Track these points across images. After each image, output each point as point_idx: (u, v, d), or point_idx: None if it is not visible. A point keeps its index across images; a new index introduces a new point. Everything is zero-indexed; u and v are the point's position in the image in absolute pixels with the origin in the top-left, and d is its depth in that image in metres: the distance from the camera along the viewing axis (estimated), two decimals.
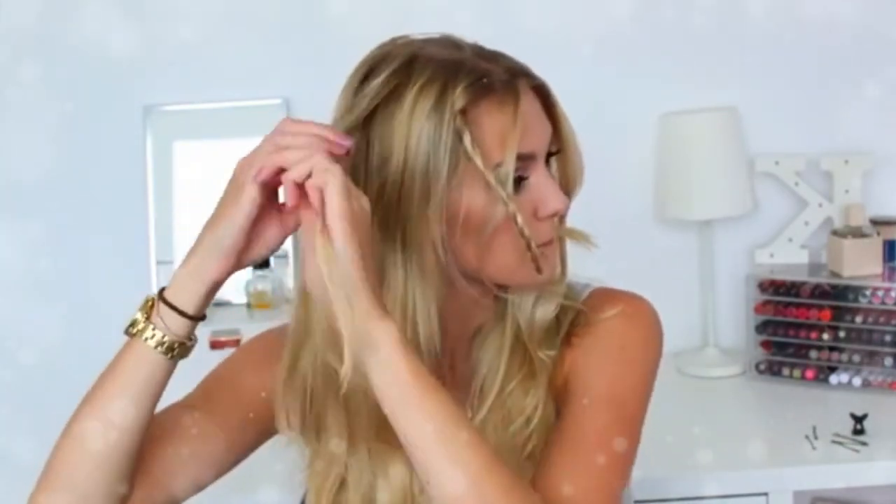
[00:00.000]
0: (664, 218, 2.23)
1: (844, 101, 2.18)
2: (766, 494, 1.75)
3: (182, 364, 1.13)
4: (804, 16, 2.17)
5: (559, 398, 1.14)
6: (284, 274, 2.11)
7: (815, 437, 1.82)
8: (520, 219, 1.05)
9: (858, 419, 1.83)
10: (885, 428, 1.84)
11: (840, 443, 1.80)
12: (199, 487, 1.17)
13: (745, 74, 2.21)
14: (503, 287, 1.11)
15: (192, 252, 1.06)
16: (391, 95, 1.04)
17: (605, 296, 1.17)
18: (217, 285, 1.06)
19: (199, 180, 2.19)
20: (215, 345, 1.95)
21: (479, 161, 1.02)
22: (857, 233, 2.07)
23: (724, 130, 2.16)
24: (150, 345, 1.08)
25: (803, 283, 2.07)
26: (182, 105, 2.19)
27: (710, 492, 1.73)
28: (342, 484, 1.15)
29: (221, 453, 1.18)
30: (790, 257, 2.19)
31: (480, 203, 1.04)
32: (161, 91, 2.19)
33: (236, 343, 1.97)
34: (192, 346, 1.09)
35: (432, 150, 1.02)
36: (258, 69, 2.18)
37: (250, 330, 1.97)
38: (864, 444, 1.79)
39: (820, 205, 2.20)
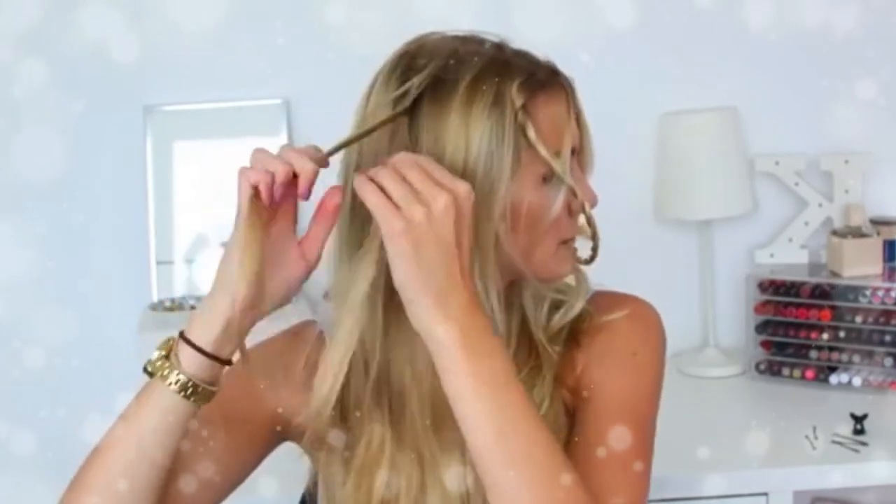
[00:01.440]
0: (664, 218, 2.23)
1: (844, 101, 2.17)
2: (766, 494, 1.75)
3: None
4: (804, 16, 2.17)
5: (573, 402, 1.15)
6: None
7: (815, 437, 1.82)
8: (587, 205, 1.09)
9: (858, 419, 1.83)
10: (885, 428, 1.84)
11: (840, 443, 1.80)
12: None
13: (745, 74, 2.21)
14: (539, 280, 1.13)
15: (210, 291, 1.04)
16: (438, 90, 1.04)
17: (609, 298, 1.19)
18: (234, 323, 1.02)
19: (199, 180, 2.19)
20: None
21: (543, 151, 1.05)
22: (857, 233, 2.07)
23: (724, 130, 2.16)
24: (167, 383, 1.04)
25: (803, 283, 2.07)
26: (182, 105, 2.19)
27: (710, 492, 1.73)
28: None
29: (239, 469, 1.17)
30: (790, 257, 2.19)
31: (537, 198, 1.07)
32: (161, 91, 2.19)
33: None
34: (214, 391, 1.05)
35: (495, 148, 1.03)
36: (258, 69, 2.18)
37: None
38: (864, 444, 1.79)
39: (820, 205, 2.20)
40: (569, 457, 1.05)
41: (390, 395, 1.11)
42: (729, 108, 2.17)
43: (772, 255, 2.20)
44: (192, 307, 2.06)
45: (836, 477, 1.75)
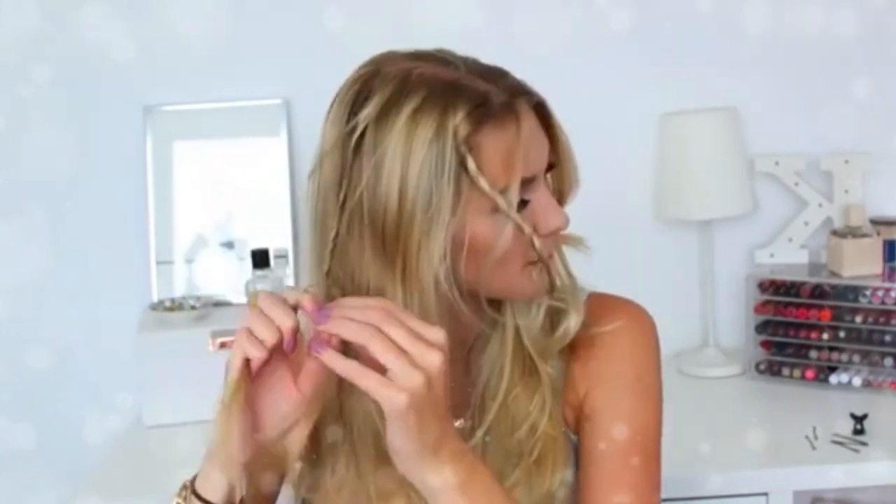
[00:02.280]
0: (664, 218, 2.23)
1: (844, 101, 2.18)
2: (766, 494, 1.75)
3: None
4: (804, 16, 2.17)
5: (574, 419, 1.16)
6: (284, 274, 2.11)
7: (815, 437, 1.82)
8: (537, 242, 1.04)
9: (858, 419, 1.83)
10: (885, 428, 1.84)
11: (840, 443, 1.80)
12: None
13: (745, 74, 2.21)
14: (496, 301, 1.11)
15: (211, 440, 1.04)
16: (382, 121, 1.00)
17: (604, 304, 1.17)
18: (240, 471, 1.02)
19: (199, 180, 2.19)
20: (225, 345, 1.96)
21: (486, 186, 1.00)
22: (857, 233, 2.07)
23: (724, 130, 2.16)
24: None
25: (803, 283, 2.07)
26: (182, 105, 2.19)
27: (710, 492, 1.73)
28: None
29: None
30: (790, 257, 2.19)
31: (485, 228, 1.03)
32: (161, 91, 2.19)
33: None
34: None
35: (435, 180, 0.99)
36: (258, 69, 2.18)
37: None
38: (864, 444, 1.79)
39: (820, 205, 2.20)
40: (583, 489, 1.09)
41: (348, 432, 1.11)
42: (729, 108, 2.17)
43: (772, 255, 2.20)
44: (193, 307, 2.06)
45: (836, 477, 1.75)
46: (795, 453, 1.79)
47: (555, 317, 1.15)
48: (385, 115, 1.01)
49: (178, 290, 2.14)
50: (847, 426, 1.83)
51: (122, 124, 2.18)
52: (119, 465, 1.91)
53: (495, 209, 1.02)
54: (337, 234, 1.04)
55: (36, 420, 2.19)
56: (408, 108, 1.00)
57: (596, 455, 1.13)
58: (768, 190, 2.24)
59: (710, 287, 2.23)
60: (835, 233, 2.10)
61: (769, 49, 2.20)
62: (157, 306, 2.08)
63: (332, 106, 1.07)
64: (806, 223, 2.20)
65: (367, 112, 1.01)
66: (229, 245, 2.17)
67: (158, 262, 2.16)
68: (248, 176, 2.18)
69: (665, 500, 1.74)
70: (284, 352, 1.01)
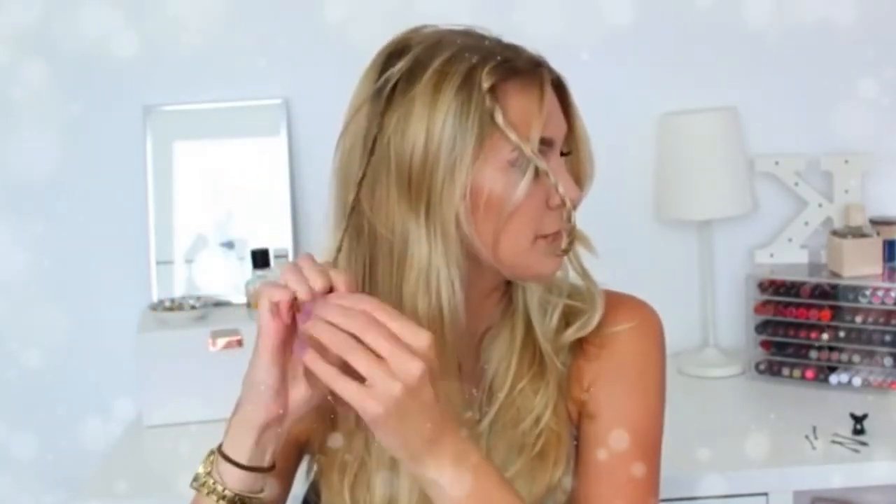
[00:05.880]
0: (664, 218, 2.23)
1: (844, 101, 2.18)
2: (766, 494, 1.75)
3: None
4: (804, 16, 2.17)
5: (577, 414, 1.16)
6: None
7: (815, 437, 1.82)
8: (552, 177, 1.06)
9: (858, 419, 1.83)
10: (885, 428, 1.84)
11: (840, 443, 1.80)
12: None
13: (745, 74, 2.21)
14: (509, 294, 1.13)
15: (238, 401, 1.04)
16: (413, 73, 1.05)
17: (615, 303, 1.18)
18: (265, 433, 1.03)
19: (199, 180, 2.19)
20: (229, 344, 1.97)
21: (513, 136, 1.04)
22: (857, 233, 2.07)
23: (724, 130, 2.16)
24: (213, 499, 1.03)
25: (803, 283, 2.07)
26: (182, 105, 2.19)
27: (709, 492, 1.73)
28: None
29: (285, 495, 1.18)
30: (790, 257, 2.19)
31: (501, 182, 1.05)
32: (161, 91, 2.19)
33: (238, 343, 1.97)
34: (263, 499, 1.05)
35: (459, 127, 1.03)
36: (258, 69, 2.18)
37: (250, 330, 1.97)
38: (864, 444, 1.79)
39: (820, 205, 2.20)
40: (580, 483, 1.09)
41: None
42: (729, 108, 2.17)
43: (772, 255, 2.20)
44: (193, 307, 2.06)
45: (836, 477, 1.75)
46: (795, 453, 1.79)
47: (569, 314, 1.16)
48: (415, 67, 1.05)
49: (178, 290, 2.14)
50: (847, 426, 1.83)
51: (122, 124, 2.18)
52: (119, 464, 1.91)
53: (512, 163, 1.05)
54: (362, 179, 1.06)
55: (35, 420, 2.19)
56: (437, 61, 1.05)
57: (596, 454, 1.13)
58: (768, 190, 2.24)
59: (710, 287, 2.23)
60: (835, 233, 2.10)
61: (769, 49, 2.20)
62: (157, 306, 2.08)
63: (367, 69, 1.10)
64: (806, 223, 2.20)
65: (400, 66, 1.06)
66: (229, 245, 2.17)
67: (158, 262, 2.16)
68: (248, 176, 2.18)
69: (665, 500, 1.73)
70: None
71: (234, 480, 1.03)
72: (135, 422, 2.05)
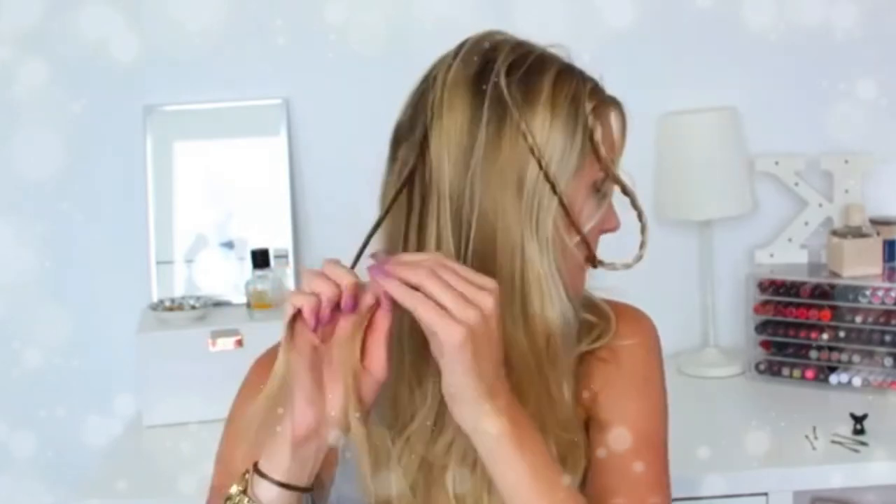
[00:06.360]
0: (664, 218, 2.23)
1: (844, 101, 2.18)
2: (766, 494, 1.75)
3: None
4: (804, 16, 2.17)
5: (586, 417, 1.17)
6: (284, 274, 2.11)
7: (815, 437, 1.82)
8: (630, 199, 1.14)
9: (858, 419, 1.83)
10: (885, 428, 1.84)
11: (840, 443, 1.80)
12: None
13: (745, 74, 2.21)
14: None
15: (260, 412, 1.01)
16: (526, 76, 1.06)
17: (618, 314, 1.21)
18: (301, 449, 0.98)
19: (199, 180, 2.19)
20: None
21: (604, 152, 1.09)
22: (857, 233, 2.07)
23: (724, 130, 2.16)
24: None
25: (803, 283, 2.07)
26: (182, 105, 2.19)
27: (710, 492, 1.73)
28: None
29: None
30: (790, 257, 2.19)
31: (585, 204, 1.09)
32: (161, 91, 2.19)
33: (238, 343, 1.97)
34: None
35: (570, 141, 1.06)
36: (258, 69, 2.18)
37: (250, 330, 1.99)
38: (863, 444, 1.79)
39: (820, 205, 2.20)
40: (593, 482, 1.11)
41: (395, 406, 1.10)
42: (729, 108, 2.17)
43: (772, 255, 2.20)
44: (193, 307, 2.07)
45: (836, 477, 1.75)
46: (795, 453, 1.79)
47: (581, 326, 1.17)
48: (527, 71, 1.07)
49: (178, 290, 2.14)
50: (847, 426, 1.83)
51: (122, 124, 2.18)
52: (119, 464, 1.91)
53: (597, 187, 1.10)
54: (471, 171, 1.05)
55: (35, 420, 2.19)
56: (549, 72, 1.08)
57: (602, 459, 1.14)
58: (768, 190, 2.24)
59: (710, 287, 2.23)
60: (835, 233, 2.10)
61: (769, 49, 2.20)
62: (157, 306, 2.08)
63: (438, 64, 1.09)
64: (806, 223, 2.20)
65: (504, 58, 1.07)
66: (229, 245, 2.17)
67: (158, 262, 2.16)
68: (248, 176, 2.18)
69: None
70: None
71: (269, 498, 0.98)
72: (135, 421, 2.05)
